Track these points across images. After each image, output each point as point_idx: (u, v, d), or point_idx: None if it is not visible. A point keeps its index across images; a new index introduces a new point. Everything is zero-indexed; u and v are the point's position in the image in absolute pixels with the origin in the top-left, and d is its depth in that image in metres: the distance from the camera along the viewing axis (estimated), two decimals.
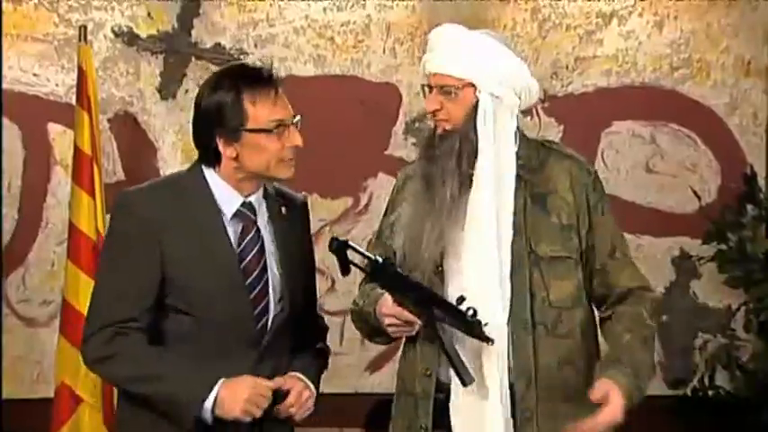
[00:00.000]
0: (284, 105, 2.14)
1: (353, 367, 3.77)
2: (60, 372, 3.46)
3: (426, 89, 2.22)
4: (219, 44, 3.84)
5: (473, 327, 2.05)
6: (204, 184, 2.09)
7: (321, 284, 3.86)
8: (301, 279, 2.18)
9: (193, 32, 3.85)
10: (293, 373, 2.10)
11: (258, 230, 2.10)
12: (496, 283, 2.13)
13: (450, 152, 2.16)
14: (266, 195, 2.17)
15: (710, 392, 3.74)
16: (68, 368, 3.42)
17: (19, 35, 3.76)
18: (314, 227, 3.78)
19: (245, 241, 2.09)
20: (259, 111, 2.08)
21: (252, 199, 2.11)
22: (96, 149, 3.50)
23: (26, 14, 3.77)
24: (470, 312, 2.04)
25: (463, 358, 2.09)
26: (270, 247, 2.11)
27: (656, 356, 3.62)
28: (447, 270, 2.19)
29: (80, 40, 3.53)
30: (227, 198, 2.08)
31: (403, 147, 3.83)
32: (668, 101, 3.78)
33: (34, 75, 3.79)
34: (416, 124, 3.82)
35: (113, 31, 3.82)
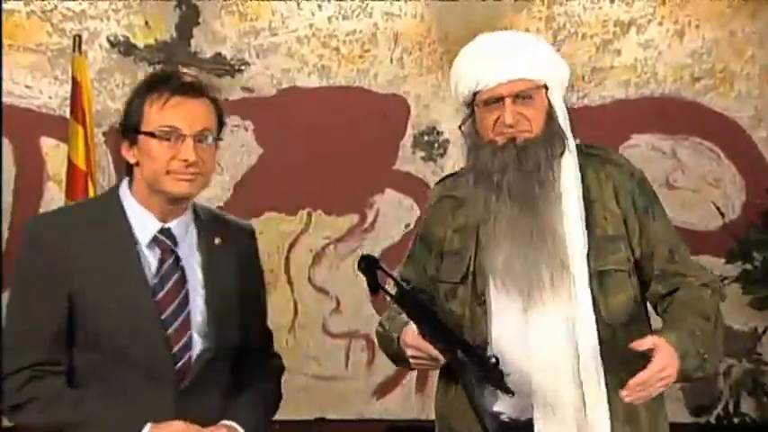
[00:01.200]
0: (186, 115, 2.01)
1: (359, 392, 3.78)
2: None
3: (482, 105, 2.15)
4: (220, 54, 3.87)
5: (495, 376, 2.04)
6: (119, 209, 2.02)
7: (325, 305, 3.91)
8: (237, 314, 2.08)
9: (193, 42, 3.88)
10: (224, 422, 1.99)
11: (178, 260, 2.00)
12: (565, 310, 2.12)
13: (541, 164, 2.12)
14: (199, 222, 2.10)
15: (736, 420, 3.73)
16: None
17: (11, 45, 3.79)
18: (318, 245, 3.85)
19: (163, 272, 1.99)
20: (153, 113, 2.00)
21: (172, 225, 2.03)
22: (91, 164, 3.51)
23: (18, 24, 3.81)
24: (493, 361, 2.04)
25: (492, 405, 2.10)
26: (195, 278, 2.02)
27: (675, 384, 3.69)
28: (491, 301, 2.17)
29: (74, 50, 3.55)
30: (143, 223, 2.01)
31: (411, 161, 3.86)
32: (690, 113, 3.79)
33: (26, 86, 3.83)
34: (425, 137, 3.85)
35: (109, 40, 3.85)
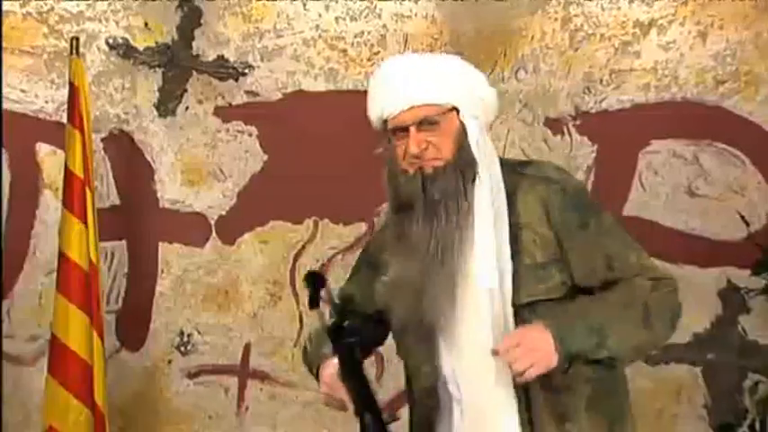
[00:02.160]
0: None
1: None
2: (48, 415, 3.49)
3: (392, 134, 2.14)
4: (223, 57, 3.88)
5: None
6: None
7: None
8: None
9: (194, 44, 3.89)
10: None
11: None
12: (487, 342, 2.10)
13: (452, 190, 2.10)
14: None
15: None
16: (56, 411, 3.46)
17: (6, 48, 3.81)
18: (324, 255, 3.87)
19: None
20: None
21: None
22: (89, 171, 3.53)
23: (14, 25, 3.83)
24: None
25: None
26: None
27: (700, 399, 3.69)
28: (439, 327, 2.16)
29: (72, 52, 3.58)
30: None
31: None
32: (713, 118, 3.78)
33: (22, 91, 3.85)
34: None
35: (108, 43, 3.87)
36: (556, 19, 3.80)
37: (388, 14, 3.85)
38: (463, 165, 2.12)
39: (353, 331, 2.07)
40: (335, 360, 2.10)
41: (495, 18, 3.78)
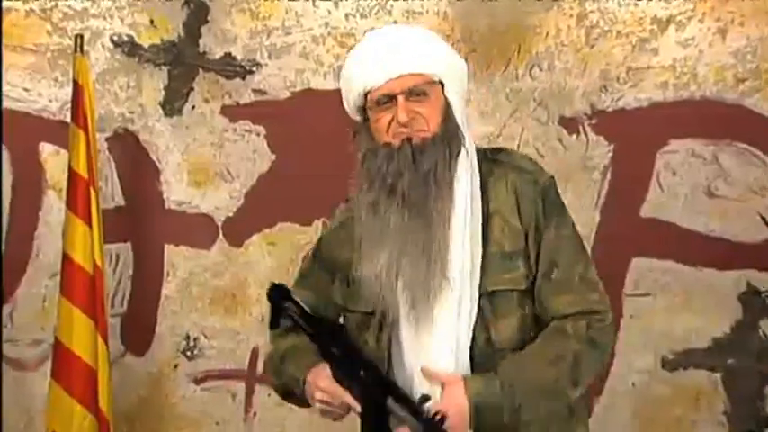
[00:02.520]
0: None
1: None
2: (51, 421, 3.50)
3: (374, 106, 2.14)
4: (230, 55, 3.88)
5: (433, 429, 1.99)
6: None
7: None
8: None
9: (201, 42, 3.89)
10: None
11: None
12: (453, 328, 2.10)
13: (438, 163, 2.11)
14: None
15: None
16: (60, 417, 3.46)
17: (8, 45, 3.81)
18: None
19: None
20: None
21: None
22: (93, 172, 3.53)
23: (16, 23, 3.83)
24: (431, 412, 1.99)
25: None
26: None
27: (720, 405, 3.67)
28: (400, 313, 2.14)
29: (76, 50, 3.58)
30: None
31: None
32: (733, 116, 3.76)
33: (25, 89, 3.85)
34: None
35: (112, 40, 3.87)
36: (571, 15, 3.79)
37: (398, 11, 3.84)
38: (450, 137, 2.13)
39: (340, 326, 2.10)
40: (322, 366, 2.10)
41: (509, 14, 3.77)
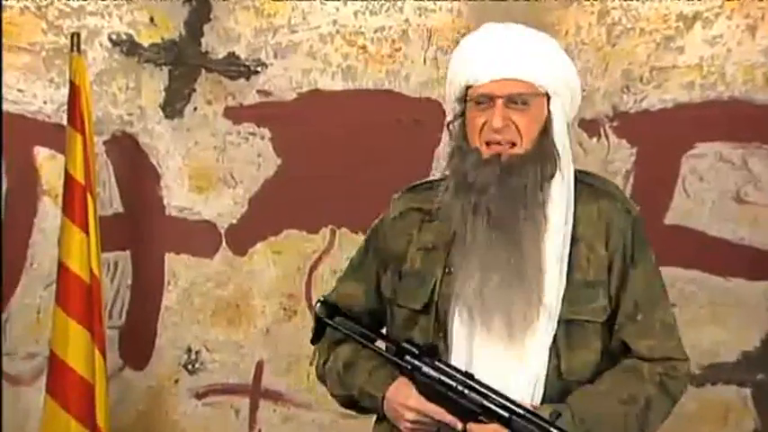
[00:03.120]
0: None
1: None
2: None
3: (472, 104, 2.14)
4: (233, 54, 3.88)
5: None
6: None
7: None
8: None
9: (203, 41, 3.89)
10: None
11: None
12: (540, 356, 2.10)
13: (528, 185, 2.09)
14: None
15: None
16: None
17: (1, 44, 3.81)
18: (342, 266, 3.79)
19: None
20: None
21: None
22: (90, 177, 3.53)
23: (10, 21, 3.83)
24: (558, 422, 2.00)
25: None
26: None
27: (750, 422, 3.64)
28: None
29: (72, 49, 3.58)
30: None
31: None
32: (763, 118, 3.75)
33: (19, 90, 3.84)
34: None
35: (111, 39, 3.87)
36: (592, 12, 3.78)
37: (410, 8, 3.83)
38: (544, 156, 2.11)
39: (430, 349, 2.09)
40: (402, 381, 2.11)
41: (526, 11, 3.75)
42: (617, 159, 3.76)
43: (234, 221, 3.90)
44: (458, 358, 2.11)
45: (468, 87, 2.16)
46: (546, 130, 2.12)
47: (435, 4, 3.83)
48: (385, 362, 2.17)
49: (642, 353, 2.15)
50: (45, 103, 3.84)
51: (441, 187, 2.21)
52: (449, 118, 2.25)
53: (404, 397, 2.10)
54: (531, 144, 2.10)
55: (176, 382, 3.92)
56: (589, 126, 3.77)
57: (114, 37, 3.87)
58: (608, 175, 3.71)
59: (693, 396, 3.67)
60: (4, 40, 3.79)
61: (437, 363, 2.07)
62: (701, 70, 3.75)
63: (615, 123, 3.77)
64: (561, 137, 2.14)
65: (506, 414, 2.01)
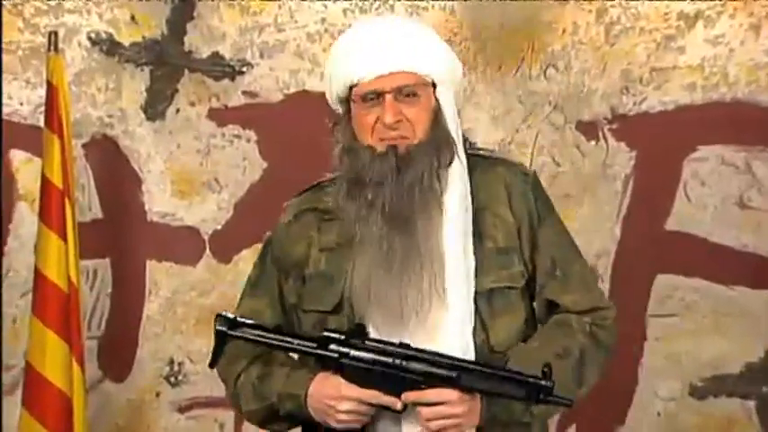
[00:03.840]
0: None
1: None
2: None
3: (359, 102, 2.15)
4: (218, 54, 3.88)
5: (549, 391, 2.01)
6: None
7: None
8: None
9: (186, 40, 3.89)
10: None
11: None
12: (452, 335, 2.12)
13: (424, 174, 2.12)
14: None
15: None
16: None
17: None
18: None
19: None
20: None
21: None
22: (69, 181, 3.52)
23: None
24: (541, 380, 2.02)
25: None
26: None
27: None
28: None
29: (49, 48, 3.57)
30: None
31: None
32: (767, 120, 3.76)
33: None
34: None
35: (90, 38, 3.86)
36: (590, 10, 3.78)
37: (401, 6, 3.83)
38: (438, 145, 2.15)
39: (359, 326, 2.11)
40: (323, 374, 2.11)
41: (522, 9, 3.76)
42: (616, 163, 3.76)
43: (218, 228, 3.90)
44: None
45: (352, 86, 2.18)
46: (437, 118, 2.16)
47: (428, 2, 3.83)
48: (301, 364, 2.20)
49: (568, 307, 2.21)
50: (21, 104, 3.84)
51: (331, 187, 2.26)
52: (333, 120, 2.30)
53: (332, 387, 2.10)
54: (425, 134, 2.15)
55: (158, 395, 3.91)
56: (587, 128, 3.78)
57: (93, 36, 3.86)
58: (607, 180, 3.75)
59: (695, 409, 3.69)
60: None
61: (368, 342, 2.08)
62: (703, 71, 3.76)
63: (614, 126, 3.77)
64: (453, 123, 2.19)
65: (454, 373, 2.02)
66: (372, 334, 2.12)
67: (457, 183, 2.17)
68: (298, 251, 2.27)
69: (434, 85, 2.18)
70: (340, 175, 2.23)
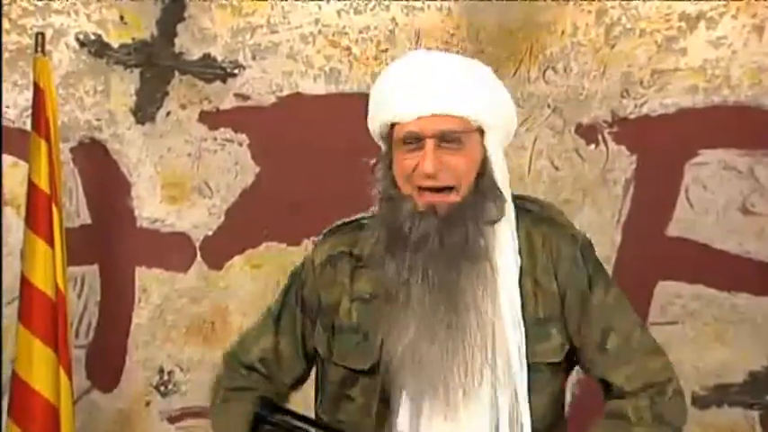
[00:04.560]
0: None
1: None
2: None
3: (399, 144, 2.01)
4: (209, 55, 3.88)
5: None
6: None
7: None
8: None
9: (177, 41, 3.89)
10: None
11: None
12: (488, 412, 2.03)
13: (469, 235, 1.99)
14: None
15: None
16: None
17: None
18: None
19: None
20: None
21: None
22: (56, 186, 3.52)
23: None
24: None
25: None
26: None
27: None
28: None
29: (36, 50, 3.56)
30: None
31: None
32: None
33: None
34: None
35: (78, 39, 3.87)
36: (589, 11, 3.79)
37: (397, 7, 3.84)
38: (485, 201, 2.02)
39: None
40: None
41: (520, 10, 3.77)
42: (616, 168, 3.77)
43: (209, 233, 3.90)
44: (402, 423, 2.04)
45: (392, 125, 2.05)
46: (483, 168, 2.02)
47: (424, 2, 3.84)
48: None
49: (621, 385, 2.08)
50: (7, 107, 3.83)
51: (369, 231, 2.13)
52: (377, 159, 2.15)
53: None
54: (469, 188, 2.01)
55: (148, 404, 3.91)
56: (587, 132, 3.78)
57: (82, 37, 3.86)
58: (607, 185, 3.76)
59: (697, 419, 3.68)
60: None
61: None
62: (705, 73, 3.76)
63: (614, 129, 3.78)
64: (501, 174, 2.05)
65: None
66: (404, 402, 2.03)
67: (509, 241, 2.04)
68: (329, 298, 2.16)
69: (482, 132, 2.03)
70: (377, 221, 2.11)
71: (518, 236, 2.08)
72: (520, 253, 2.06)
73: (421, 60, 2.08)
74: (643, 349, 2.11)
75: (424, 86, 2.00)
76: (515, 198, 2.13)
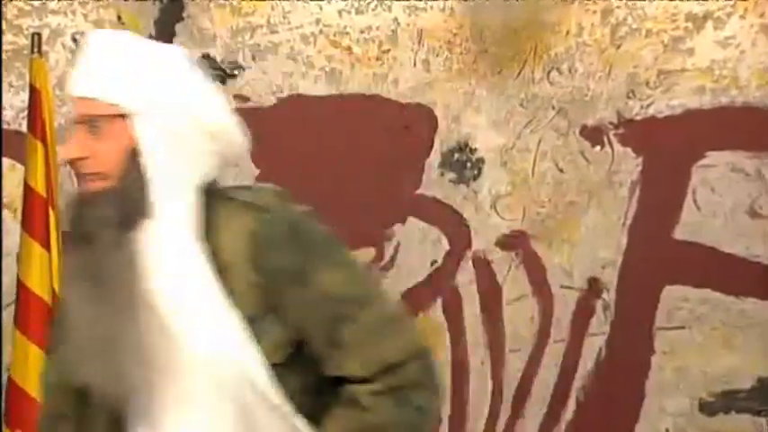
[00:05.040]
0: None
1: None
2: None
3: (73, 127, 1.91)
4: (208, 56, 3.88)
5: None
6: None
7: None
8: None
9: (175, 41, 3.88)
10: None
11: None
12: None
13: (110, 227, 1.85)
14: None
15: None
16: None
17: None
18: None
19: None
20: None
21: None
22: (52, 189, 3.51)
23: None
24: None
25: None
26: None
27: None
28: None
29: (33, 51, 3.56)
30: None
31: (438, 184, 3.85)
32: None
33: None
34: (455, 156, 3.84)
35: (75, 39, 3.86)
36: (595, 11, 3.79)
37: (399, 7, 3.84)
38: (132, 190, 1.88)
39: None
40: None
41: (525, 10, 3.77)
42: (622, 170, 3.77)
43: None
44: None
45: None
46: (133, 157, 1.87)
47: (426, 2, 3.84)
48: None
49: (357, 374, 1.88)
50: (3, 108, 3.84)
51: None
52: None
53: None
54: (118, 176, 1.87)
55: None
56: (592, 134, 3.78)
57: (78, 37, 3.86)
58: (612, 187, 3.75)
59: (705, 426, 3.69)
60: None
61: None
62: (713, 74, 3.77)
63: (620, 131, 3.78)
64: (168, 160, 1.89)
65: None
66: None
67: (183, 232, 1.88)
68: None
69: (124, 116, 1.88)
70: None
71: (222, 225, 1.91)
72: (224, 245, 1.89)
73: (91, 41, 1.95)
74: (379, 329, 1.89)
75: (78, 69, 1.91)
76: (230, 188, 2.00)
